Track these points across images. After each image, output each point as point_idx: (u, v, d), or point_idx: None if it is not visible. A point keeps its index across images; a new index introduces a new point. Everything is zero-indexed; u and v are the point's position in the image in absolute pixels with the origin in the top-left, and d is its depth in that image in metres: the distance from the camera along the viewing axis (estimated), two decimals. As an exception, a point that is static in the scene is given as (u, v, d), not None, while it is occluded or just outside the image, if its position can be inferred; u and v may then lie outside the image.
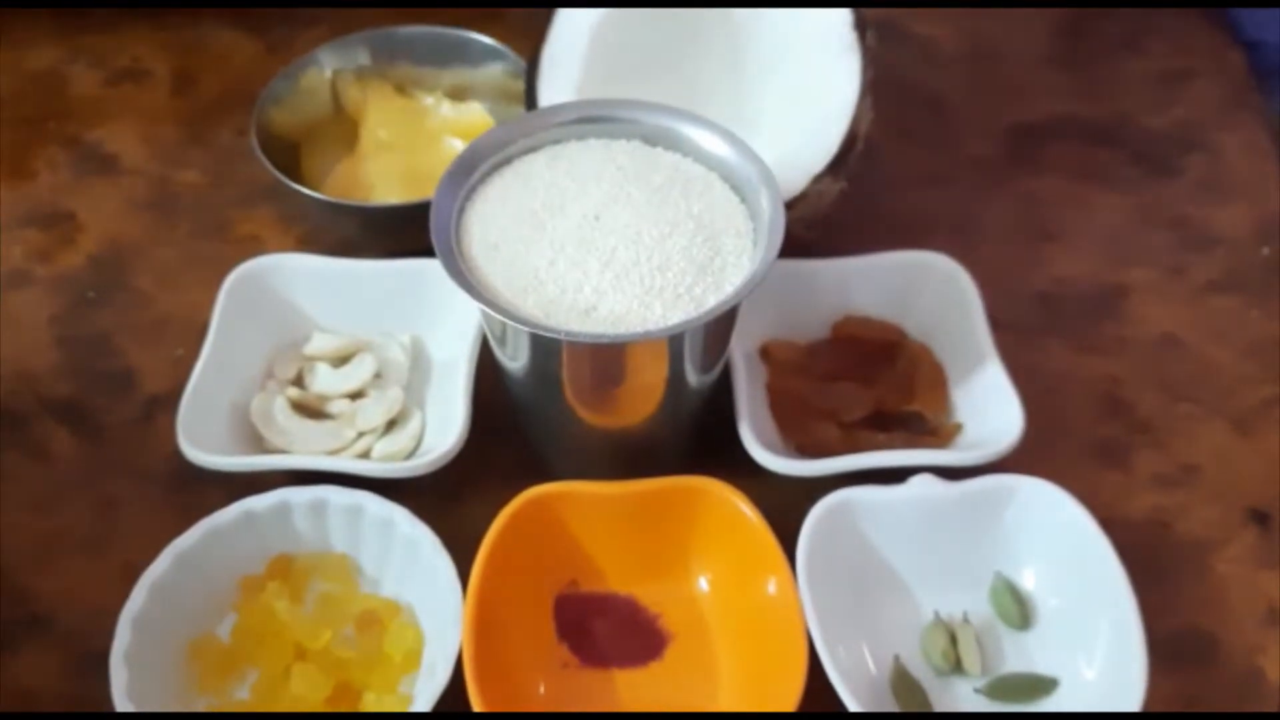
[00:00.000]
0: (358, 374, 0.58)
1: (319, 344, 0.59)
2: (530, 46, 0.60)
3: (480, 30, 0.69)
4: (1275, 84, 0.78)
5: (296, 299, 0.60)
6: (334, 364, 0.59)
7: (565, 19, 0.59)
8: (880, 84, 0.59)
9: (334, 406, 0.58)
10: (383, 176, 0.65)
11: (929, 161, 0.72)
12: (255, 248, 0.62)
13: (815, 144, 0.57)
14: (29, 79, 0.77)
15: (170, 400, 0.56)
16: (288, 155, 0.66)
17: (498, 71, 0.68)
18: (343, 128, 0.68)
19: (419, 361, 0.60)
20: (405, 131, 0.67)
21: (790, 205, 0.56)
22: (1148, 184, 0.70)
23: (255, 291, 0.60)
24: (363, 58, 0.69)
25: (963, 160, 0.72)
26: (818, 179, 0.56)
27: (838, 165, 0.57)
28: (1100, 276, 0.66)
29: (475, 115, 0.68)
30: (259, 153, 0.63)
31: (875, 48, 0.59)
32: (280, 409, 0.57)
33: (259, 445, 0.56)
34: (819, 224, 0.58)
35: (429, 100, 0.69)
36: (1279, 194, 0.69)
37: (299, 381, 0.59)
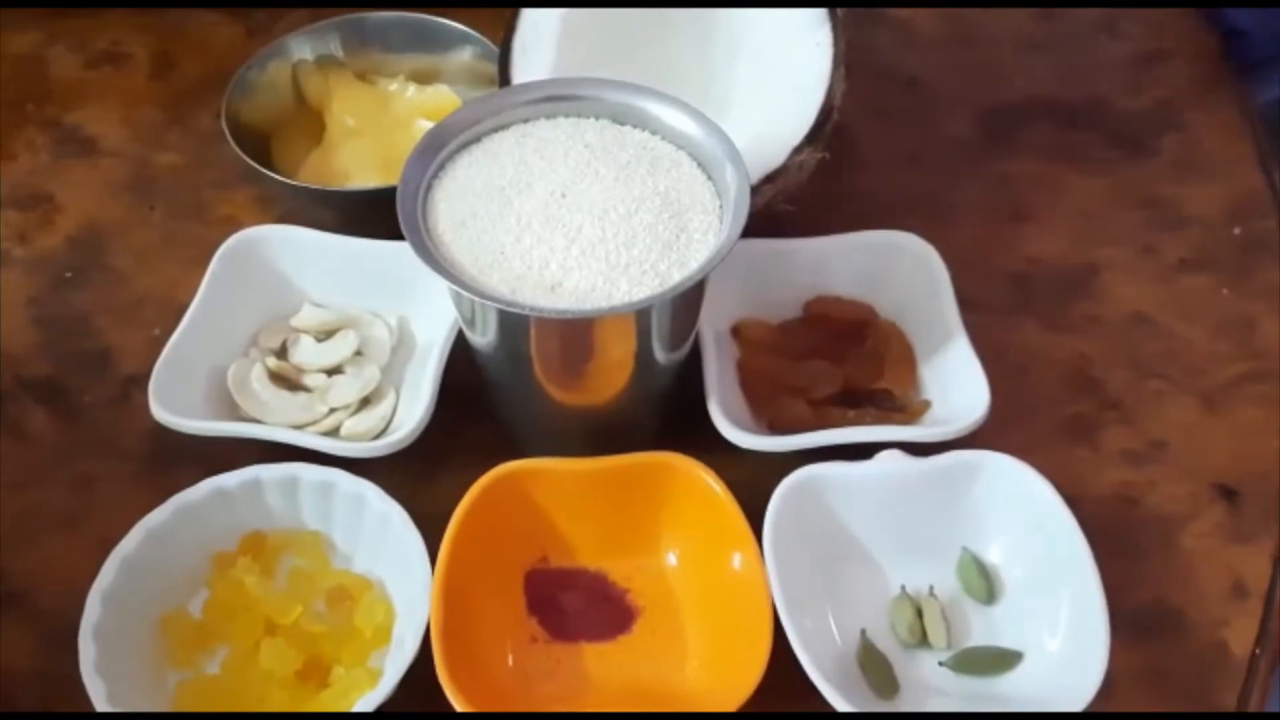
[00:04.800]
0: (338, 350, 0.59)
1: (306, 316, 0.60)
2: (500, 31, 0.61)
3: (451, 16, 0.69)
4: (1259, 74, 0.78)
5: (292, 271, 0.61)
6: (318, 338, 0.60)
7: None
8: (856, 65, 0.60)
9: (311, 380, 0.58)
10: (356, 163, 0.65)
11: (904, 142, 0.72)
12: (233, 230, 0.62)
13: (792, 116, 0.58)
14: (8, 62, 0.77)
15: (146, 380, 0.56)
16: (263, 141, 0.67)
17: (468, 56, 0.68)
18: (308, 118, 0.68)
19: (403, 342, 0.60)
20: (372, 117, 0.67)
21: (771, 178, 0.56)
22: (1121, 165, 0.71)
23: (249, 261, 0.60)
24: (333, 44, 0.69)
25: (938, 141, 0.72)
26: (797, 150, 0.57)
27: (815, 136, 0.57)
28: (1073, 256, 0.66)
29: (443, 96, 0.68)
30: (232, 143, 0.63)
31: (845, 19, 0.59)
32: (257, 377, 0.57)
33: (235, 414, 0.57)
34: (798, 197, 0.59)
35: (392, 86, 0.69)
36: (1251, 174, 0.70)
37: (282, 352, 0.59)
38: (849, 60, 0.59)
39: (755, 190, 0.50)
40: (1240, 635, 0.52)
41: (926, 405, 0.56)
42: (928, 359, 0.58)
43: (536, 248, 0.48)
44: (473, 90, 0.69)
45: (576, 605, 0.52)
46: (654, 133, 0.53)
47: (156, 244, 0.67)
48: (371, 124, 0.67)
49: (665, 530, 0.53)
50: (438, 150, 0.51)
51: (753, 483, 0.52)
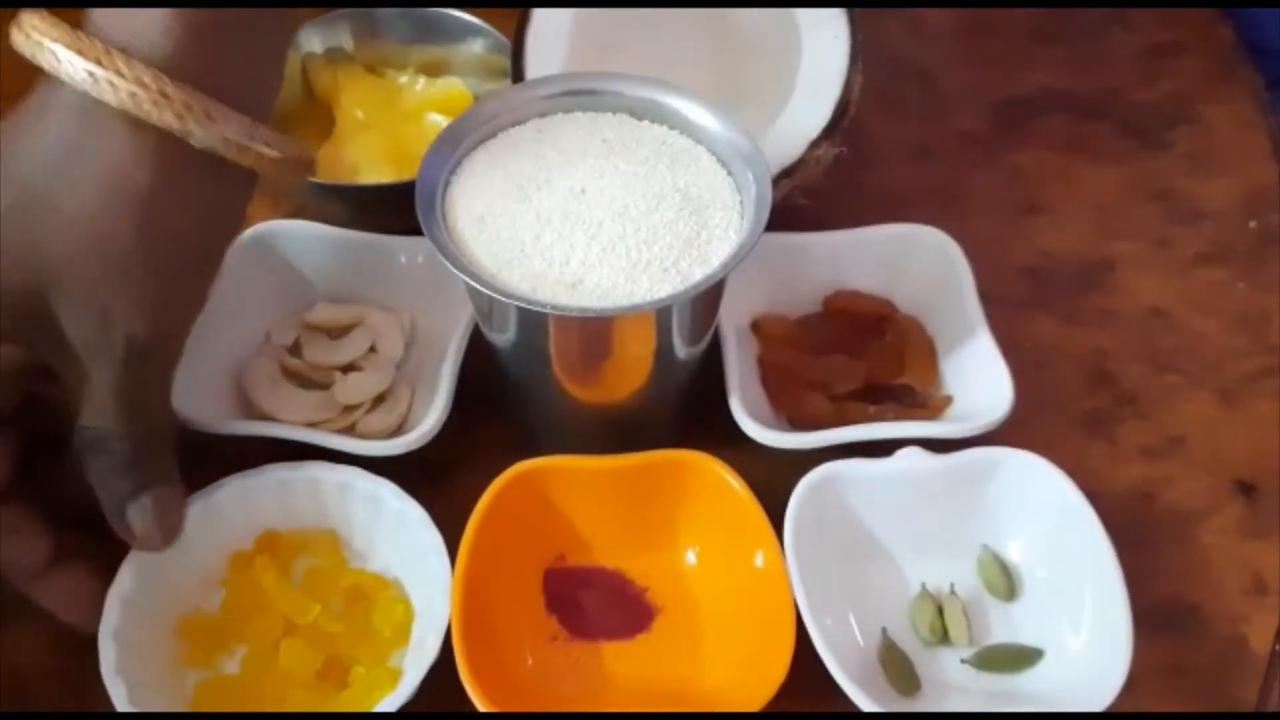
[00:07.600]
0: (352, 347, 0.58)
1: (320, 313, 0.59)
2: (511, 24, 0.60)
3: (461, 8, 0.69)
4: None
5: (305, 267, 0.61)
6: (332, 335, 0.59)
7: (547, -1, 0.59)
8: (869, 57, 0.59)
9: (325, 377, 0.57)
10: (367, 157, 0.65)
11: (918, 135, 0.72)
12: (243, 225, 0.61)
13: (809, 111, 0.57)
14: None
15: (158, 377, 0.55)
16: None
17: (478, 48, 0.68)
18: (317, 112, 0.68)
19: (418, 339, 0.60)
20: (383, 111, 0.66)
21: (789, 172, 0.56)
22: (1135, 157, 0.70)
23: (262, 257, 0.60)
24: (343, 37, 0.69)
25: (952, 134, 0.72)
26: (815, 144, 0.57)
27: (833, 130, 0.57)
28: (1088, 249, 0.66)
29: (453, 89, 0.67)
30: None
31: (862, 13, 0.59)
32: (271, 374, 0.57)
33: (249, 412, 0.56)
34: (814, 192, 0.59)
35: (402, 78, 0.68)
36: (1266, 167, 0.69)
37: (296, 349, 0.59)
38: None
39: (773, 185, 0.50)
40: (1260, 631, 0.52)
41: (948, 400, 0.56)
42: (949, 353, 0.58)
43: (557, 245, 0.48)
44: (483, 83, 0.68)
45: (595, 604, 0.52)
46: (672, 127, 0.52)
47: (164, 239, 0.66)
48: (381, 117, 0.66)
49: (684, 528, 0.53)
50: (455, 145, 0.51)
51: (771, 480, 0.52)
